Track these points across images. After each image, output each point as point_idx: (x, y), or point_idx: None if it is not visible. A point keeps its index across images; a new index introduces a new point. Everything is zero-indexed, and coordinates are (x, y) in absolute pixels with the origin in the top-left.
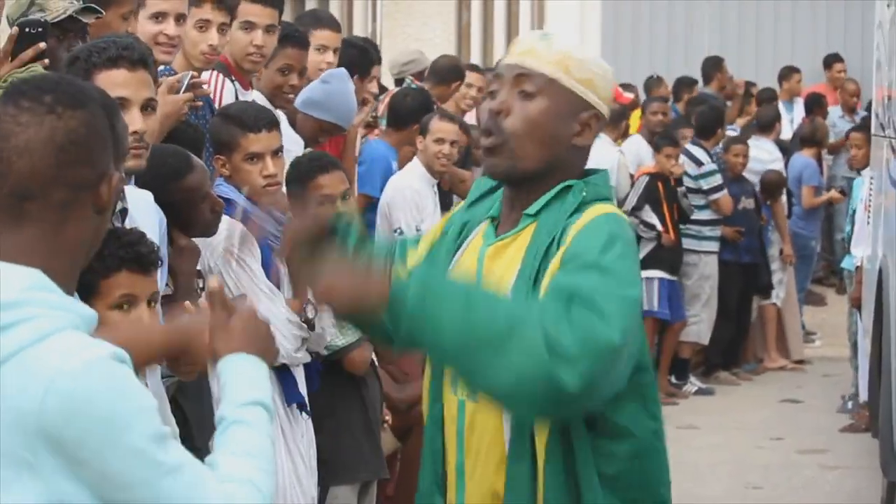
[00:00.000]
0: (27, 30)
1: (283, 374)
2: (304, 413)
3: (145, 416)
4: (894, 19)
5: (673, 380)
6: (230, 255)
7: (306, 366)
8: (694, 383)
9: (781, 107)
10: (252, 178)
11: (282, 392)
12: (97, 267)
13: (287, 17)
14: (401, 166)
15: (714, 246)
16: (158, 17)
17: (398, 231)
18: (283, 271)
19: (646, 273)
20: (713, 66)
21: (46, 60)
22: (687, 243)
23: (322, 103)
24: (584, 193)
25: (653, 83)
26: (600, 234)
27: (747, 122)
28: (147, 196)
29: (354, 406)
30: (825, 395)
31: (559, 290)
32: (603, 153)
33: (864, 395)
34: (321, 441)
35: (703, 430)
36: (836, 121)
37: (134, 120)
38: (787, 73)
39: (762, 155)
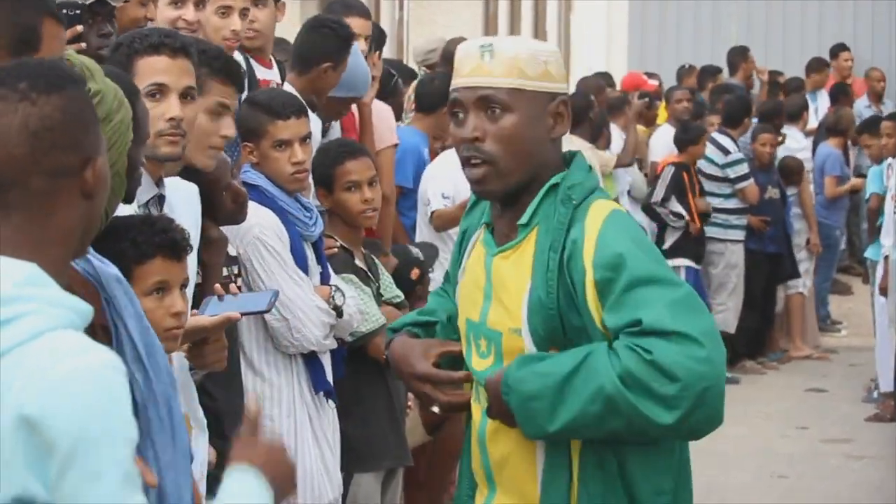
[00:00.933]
0: (65, 11)
1: (311, 361)
2: (330, 400)
3: (119, 445)
4: None
5: None
6: (259, 241)
7: (331, 353)
8: None
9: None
10: (280, 165)
11: (309, 379)
12: (131, 254)
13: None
14: (432, 151)
15: (740, 235)
16: (177, 2)
17: (432, 214)
18: (311, 256)
19: (673, 262)
20: (739, 56)
21: (83, 44)
22: (713, 232)
23: (343, 83)
24: (574, 200)
25: (683, 72)
26: (627, 242)
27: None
28: (191, 188)
29: (380, 393)
30: (850, 384)
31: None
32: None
33: (883, 386)
34: (346, 428)
35: (728, 419)
36: (863, 110)
37: (171, 107)
38: (818, 65)
39: (791, 144)
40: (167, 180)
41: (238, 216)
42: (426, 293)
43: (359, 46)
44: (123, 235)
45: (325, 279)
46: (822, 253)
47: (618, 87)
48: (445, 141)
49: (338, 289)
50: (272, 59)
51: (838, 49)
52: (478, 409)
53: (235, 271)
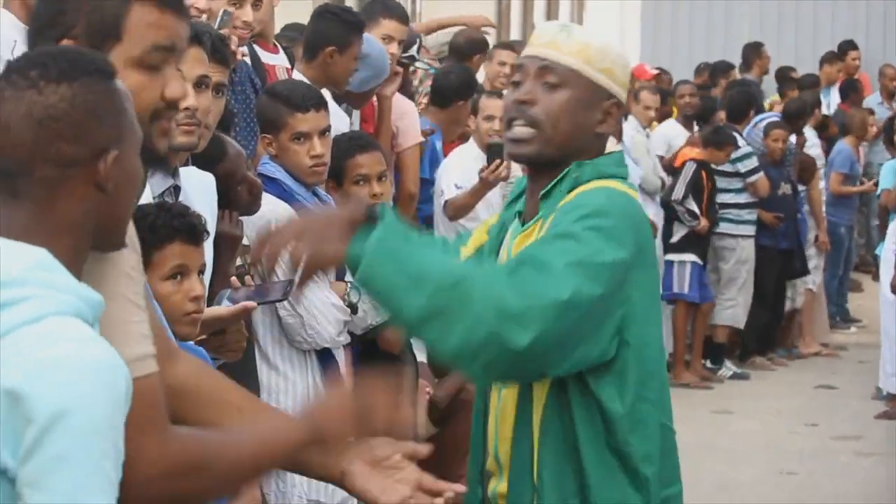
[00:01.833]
0: None
1: (324, 357)
2: None
3: (96, 440)
4: None
5: (708, 364)
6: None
7: (347, 347)
8: (729, 368)
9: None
10: (299, 158)
11: (323, 375)
12: (149, 238)
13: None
14: (445, 144)
15: (751, 230)
16: None
17: (445, 204)
18: None
19: (680, 257)
20: (753, 52)
21: None
22: (724, 227)
23: (370, 77)
24: (577, 175)
25: (699, 71)
26: (580, 207)
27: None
28: (207, 178)
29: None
30: (860, 381)
31: (516, 257)
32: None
33: (885, 386)
34: None
35: (737, 414)
36: (875, 107)
37: (186, 96)
38: (830, 57)
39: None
40: (182, 170)
41: (253, 207)
42: None
43: (391, 49)
44: (140, 223)
45: (340, 274)
46: (830, 250)
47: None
48: (458, 135)
49: (353, 285)
50: (276, 44)
51: (847, 47)
52: (496, 394)
53: (250, 261)
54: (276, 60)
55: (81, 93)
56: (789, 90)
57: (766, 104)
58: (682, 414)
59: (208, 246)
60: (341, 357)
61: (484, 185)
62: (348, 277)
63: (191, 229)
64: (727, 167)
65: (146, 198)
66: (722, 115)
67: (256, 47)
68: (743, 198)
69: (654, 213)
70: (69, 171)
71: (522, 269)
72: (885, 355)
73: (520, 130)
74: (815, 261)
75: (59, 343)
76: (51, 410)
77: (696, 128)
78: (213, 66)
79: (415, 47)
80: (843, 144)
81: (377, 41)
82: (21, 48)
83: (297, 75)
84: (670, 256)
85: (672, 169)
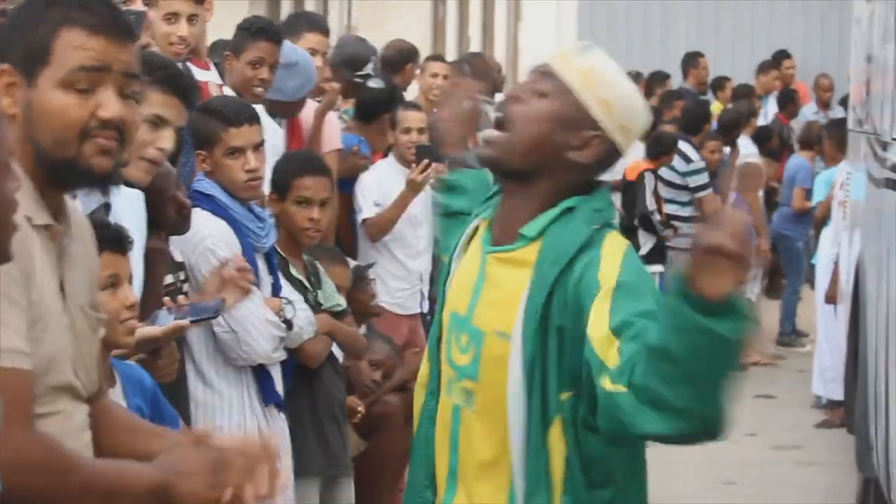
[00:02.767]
0: None
1: (260, 374)
2: (281, 412)
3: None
4: (873, 15)
5: None
6: (210, 252)
7: (280, 364)
8: None
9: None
10: (233, 172)
11: (259, 392)
12: None
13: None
14: (375, 157)
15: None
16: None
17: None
18: (263, 267)
19: (651, 268)
20: (691, 61)
21: None
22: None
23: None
24: (595, 224)
25: (634, 79)
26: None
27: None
28: (135, 193)
29: (303, 401)
30: (799, 390)
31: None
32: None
33: (830, 393)
34: None
35: None
36: (811, 117)
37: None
38: (766, 66)
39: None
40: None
41: (181, 227)
42: (367, 302)
43: (316, 62)
44: None
45: (276, 290)
46: (787, 265)
47: None
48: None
49: (289, 301)
50: (208, 60)
51: (781, 56)
52: (448, 406)
53: (182, 277)
54: (209, 77)
55: None
56: (724, 100)
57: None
58: None
59: (139, 262)
60: (277, 373)
61: (412, 189)
62: (283, 293)
63: (118, 238)
64: (676, 179)
65: None
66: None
67: (190, 64)
68: (688, 211)
69: None
70: None
71: None
72: (823, 362)
73: (489, 133)
74: (753, 270)
75: None
76: None
77: None
78: (170, 100)
79: (370, 65)
80: (801, 159)
81: (301, 49)
82: None
83: (229, 91)
84: None
85: (626, 183)
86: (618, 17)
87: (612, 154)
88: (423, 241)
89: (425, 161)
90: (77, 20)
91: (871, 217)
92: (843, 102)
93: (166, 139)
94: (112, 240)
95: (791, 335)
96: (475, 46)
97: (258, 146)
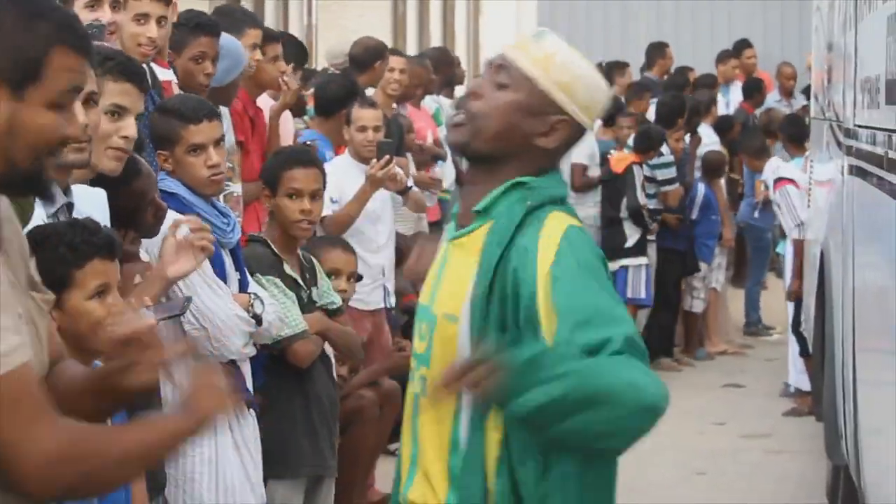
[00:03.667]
0: None
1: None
2: (251, 409)
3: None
4: (833, 3)
5: None
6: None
7: (251, 359)
8: None
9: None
10: (196, 169)
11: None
12: (69, 257)
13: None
14: (336, 153)
15: (654, 234)
16: (93, 5)
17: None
18: (229, 263)
19: (636, 261)
20: (657, 51)
21: None
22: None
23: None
24: (529, 202)
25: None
26: (580, 273)
27: None
28: (99, 194)
29: (296, 400)
30: (768, 379)
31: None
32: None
33: (795, 383)
34: (261, 434)
35: None
36: (774, 105)
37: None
38: (725, 56)
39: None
40: (74, 188)
41: (155, 230)
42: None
43: (255, 56)
44: (59, 241)
45: (243, 286)
46: (753, 255)
47: None
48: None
49: (256, 296)
50: (168, 60)
51: (742, 46)
52: (410, 396)
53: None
54: (170, 76)
55: None
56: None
57: None
58: None
59: None
60: (248, 370)
61: (372, 185)
62: (251, 288)
63: (109, 244)
64: (646, 171)
65: (40, 218)
66: (624, 122)
67: (153, 64)
68: (653, 203)
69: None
70: None
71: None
72: (795, 351)
73: (457, 118)
74: (718, 259)
75: None
76: None
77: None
78: (124, 86)
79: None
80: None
81: (228, 35)
82: None
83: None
84: (626, 261)
85: (612, 175)
86: (578, 11)
87: (577, 133)
88: (384, 235)
89: (386, 157)
90: (67, 41)
91: (835, 204)
92: (806, 91)
93: (129, 127)
94: (102, 246)
95: (758, 325)
96: (436, 43)
97: (219, 141)
